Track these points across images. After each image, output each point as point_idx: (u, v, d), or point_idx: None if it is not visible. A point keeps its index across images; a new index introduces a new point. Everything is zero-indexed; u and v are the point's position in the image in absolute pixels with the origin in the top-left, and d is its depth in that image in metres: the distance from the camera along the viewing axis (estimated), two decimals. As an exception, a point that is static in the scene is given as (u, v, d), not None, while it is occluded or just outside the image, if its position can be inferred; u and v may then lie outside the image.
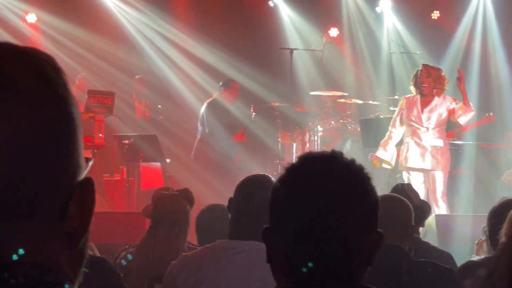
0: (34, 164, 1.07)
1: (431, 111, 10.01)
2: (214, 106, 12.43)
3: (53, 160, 1.09)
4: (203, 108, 12.60)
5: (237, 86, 12.87)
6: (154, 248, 4.93)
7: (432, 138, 10.03)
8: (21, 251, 1.06)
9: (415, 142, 10.07)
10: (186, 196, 5.19)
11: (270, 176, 4.08)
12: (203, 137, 12.48)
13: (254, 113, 12.63)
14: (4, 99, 1.05)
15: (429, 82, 9.96)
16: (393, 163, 10.39)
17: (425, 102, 10.06)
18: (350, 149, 12.66)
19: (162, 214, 5.07)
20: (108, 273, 4.26)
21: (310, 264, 1.86)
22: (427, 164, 9.99)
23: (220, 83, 12.93)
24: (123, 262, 4.05)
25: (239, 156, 12.68)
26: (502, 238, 3.32)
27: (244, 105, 13.30)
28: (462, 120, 10.04)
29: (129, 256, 4.07)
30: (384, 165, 10.39)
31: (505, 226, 3.38)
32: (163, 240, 4.96)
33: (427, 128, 10.02)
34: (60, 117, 1.10)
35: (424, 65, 10.20)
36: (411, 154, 10.07)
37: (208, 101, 12.74)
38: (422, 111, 10.03)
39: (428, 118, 10.01)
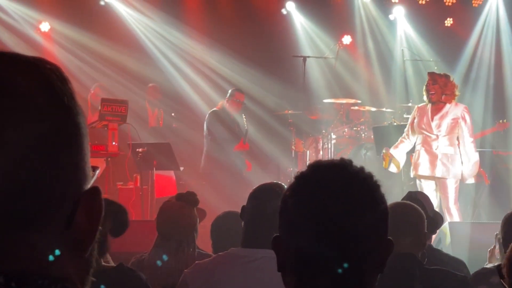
0: (40, 173, 1.07)
1: (441, 118, 10.00)
2: (214, 117, 12.40)
3: (59, 169, 1.09)
4: (206, 119, 12.60)
5: (241, 97, 12.80)
6: (162, 266, 4.90)
7: (442, 146, 10.00)
8: (28, 261, 1.06)
9: (426, 149, 10.06)
10: (190, 200, 5.10)
11: (283, 184, 4.06)
12: (209, 149, 12.47)
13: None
14: (10, 107, 1.06)
15: (435, 89, 9.95)
16: (400, 167, 10.39)
17: (436, 110, 10.05)
18: (364, 157, 12.65)
19: (169, 230, 5.01)
20: (139, 283, 4.26)
21: (322, 273, 1.86)
22: (438, 171, 9.97)
23: (229, 92, 12.90)
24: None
25: (249, 165, 12.66)
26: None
27: (257, 117, 13.37)
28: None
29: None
30: (391, 169, 10.38)
31: None
32: (172, 255, 4.91)
33: (437, 136, 10.00)
34: (66, 126, 1.11)
35: (430, 73, 10.23)
36: (421, 162, 10.06)
37: (209, 111, 12.70)
38: (433, 118, 10.02)
39: (438, 126, 9.99)
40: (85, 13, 14.59)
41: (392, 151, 10.35)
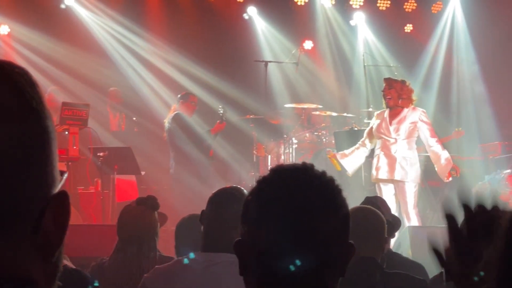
0: (8, 177, 1.07)
1: (399, 122, 10.10)
2: (178, 120, 12.15)
3: (28, 174, 1.09)
4: (168, 123, 12.31)
5: (195, 100, 12.67)
6: (124, 269, 4.86)
7: (401, 149, 10.09)
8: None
9: (385, 153, 10.15)
10: (150, 205, 5.07)
11: (242, 188, 4.07)
12: (177, 153, 12.29)
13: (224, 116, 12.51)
14: None
15: (392, 94, 10.08)
16: (349, 171, 10.47)
17: (394, 114, 10.17)
18: (325, 161, 12.69)
19: (129, 234, 4.97)
20: (85, 283, 4.23)
21: (283, 277, 1.87)
22: (397, 175, 10.05)
23: (179, 96, 12.65)
24: (186, 260, 3.98)
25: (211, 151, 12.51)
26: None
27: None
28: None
29: (192, 255, 3.97)
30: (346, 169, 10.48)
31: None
32: (133, 260, 4.88)
33: (396, 139, 10.09)
34: (35, 130, 1.11)
35: (386, 79, 10.37)
36: (381, 165, 10.15)
37: (171, 115, 12.36)
38: (391, 123, 10.12)
39: (397, 130, 10.09)
40: (46, 16, 14.45)
41: (340, 153, 10.49)
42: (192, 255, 3.88)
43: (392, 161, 10.08)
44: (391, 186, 10.17)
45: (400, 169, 10.05)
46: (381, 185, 10.24)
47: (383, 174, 10.14)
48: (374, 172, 10.30)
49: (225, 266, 3.78)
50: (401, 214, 9.91)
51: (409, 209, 10.00)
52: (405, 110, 10.12)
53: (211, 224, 3.98)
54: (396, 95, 10.07)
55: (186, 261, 3.83)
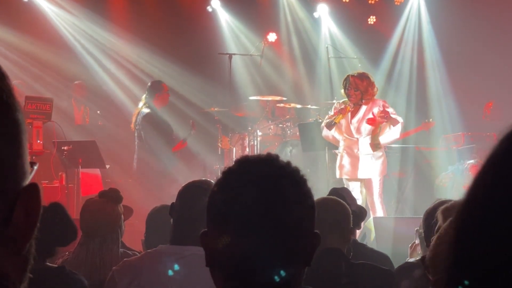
0: None
1: (359, 121, 10.05)
2: (151, 120, 11.96)
3: None
4: (139, 121, 12.05)
5: (167, 88, 12.49)
6: (86, 263, 4.85)
7: (363, 147, 10.07)
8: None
9: (347, 152, 10.12)
10: (112, 197, 5.07)
11: (211, 181, 4.08)
12: (141, 152, 12.15)
13: (193, 130, 12.40)
14: None
15: (356, 95, 9.96)
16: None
17: (353, 112, 10.10)
18: (289, 153, 12.72)
19: (92, 227, 4.96)
20: (73, 280, 4.23)
21: (249, 268, 1.89)
22: (361, 173, 10.03)
23: (151, 87, 12.28)
24: (170, 272, 3.96)
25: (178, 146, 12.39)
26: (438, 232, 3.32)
27: (183, 114, 13.31)
28: (392, 136, 10.12)
29: (176, 267, 3.95)
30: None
31: (439, 218, 3.36)
32: (96, 253, 4.88)
33: (357, 139, 10.07)
34: (5, 123, 1.10)
35: (352, 77, 10.02)
36: (344, 164, 10.11)
37: (143, 113, 12.05)
38: (351, 121, 10.08)
39: (357, 129, 10.04)
40: (8, 9, 14.34)
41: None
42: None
43: (355, 160, 10.05)
44: (357, 182, 10.16)
45: (364, 167, 10.01)
46: (346, 181, 10.25)
47: (347, 173, 10.12)
48: (337, 170, 10.29)
49: (194, 259, 3.79)
50: (368, 205, 9.95)
51: (375, 199, 10.02)
52: (364, 107, 10.03)
53: (180, 217, 4.00)
54: (359, 96, 9.98)
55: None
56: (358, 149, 10.03)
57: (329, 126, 10.19)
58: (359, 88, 9.92)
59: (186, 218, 3.94)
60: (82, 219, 5.06)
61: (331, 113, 10.32)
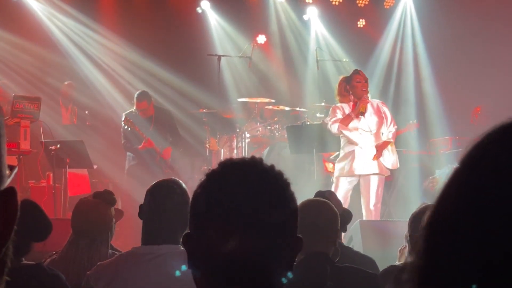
0: None
1: (370, 115, 10.06)
2: (125, 120, 11.95)
3: None
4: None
5: (140, 107, 12.24)
6: (75, 262, 4.85)
7: (377, 142, 10.08)
8: None
9: (363, 148, 10.00)
10: (107, 199, 5.07)
11: (179, 180, 4.11)
12: (129, 154, 12.12)
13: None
14: None
15: (366, 87, 9.98)
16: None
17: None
18: (277, 156, 12.73)
19: (83, 226, 4.96)
20: (49, 278, 4.22)
21: (231, 270, 1.88)
22: (380, 167, 10.08)
23: (146, 97, 12.15)
24: (177, 273, 3.92)
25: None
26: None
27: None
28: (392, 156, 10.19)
29: (184, 267, 3.91)
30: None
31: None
32: (84, 253, 4.88)
33: (373, 133, 10.07)
34: None
35: (359, 71, 10.10)
36: (360, 159, 10.02)
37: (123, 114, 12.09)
38: (364, 116, 10.01)
39: (371, 123, 10.04)
40: (-4, 9, 14.34)
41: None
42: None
43: (371, 155, 10.03)
44: (353, 180, 10.15)
45: (382, 161, 10.06)
46: (342, 178, 10.15)
47: (361, 169, 10.04)
48: (347, 167, 10.09)
49: (168, 258, 3.81)
50: (365, 208, 9.96)
51: (371, 205, 10.01)
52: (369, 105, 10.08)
53: (150, 217, 4.02)
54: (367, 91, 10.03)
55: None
56: (373, 144, 10.02)
57: (350, 119, 10.02)
58: (367, 80, 9.97)
59: (157, 218, 3.96)
60: (74, 218, 5.06)
61: (339, 112, 10.14)
